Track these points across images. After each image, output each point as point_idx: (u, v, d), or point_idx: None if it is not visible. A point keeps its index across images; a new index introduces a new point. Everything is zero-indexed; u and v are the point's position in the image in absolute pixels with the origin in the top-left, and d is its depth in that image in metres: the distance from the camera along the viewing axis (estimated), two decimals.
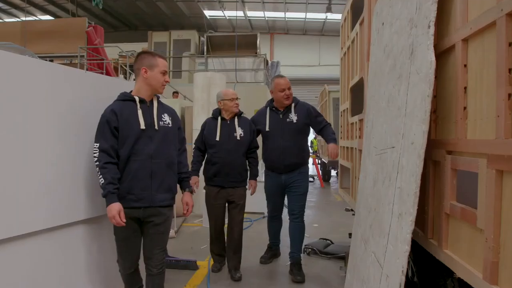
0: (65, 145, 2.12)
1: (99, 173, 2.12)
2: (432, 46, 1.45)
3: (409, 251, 1.44)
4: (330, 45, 18.15)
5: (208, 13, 16.75)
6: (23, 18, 13.31)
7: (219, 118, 3.40)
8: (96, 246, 2.40)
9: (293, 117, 3.41)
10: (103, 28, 10.88)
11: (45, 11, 16.00)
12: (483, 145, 1.22)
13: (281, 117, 3.46)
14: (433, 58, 1.42)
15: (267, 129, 3.48)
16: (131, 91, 2.32)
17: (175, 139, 2.39)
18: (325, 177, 11.72)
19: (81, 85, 2.27)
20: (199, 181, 3.48)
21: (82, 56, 9.69)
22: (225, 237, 3.54)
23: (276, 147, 3.43)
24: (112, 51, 10.97)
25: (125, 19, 17.86)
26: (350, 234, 4.03)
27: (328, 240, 4.46)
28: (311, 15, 16.75)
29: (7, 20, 16.34)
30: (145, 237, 2.33)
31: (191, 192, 2.48)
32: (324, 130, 3.52)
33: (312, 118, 3.48)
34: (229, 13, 16.43)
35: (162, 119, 2.31)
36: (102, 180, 2.10)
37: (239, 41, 11.65)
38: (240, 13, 15.64)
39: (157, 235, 2.31)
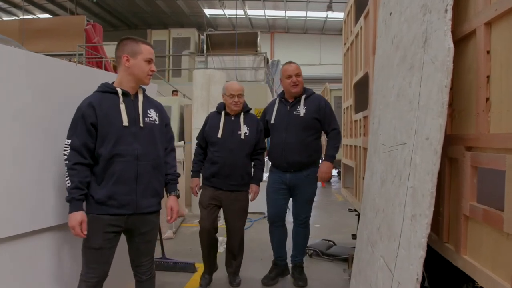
0: (32, 141, 1.92)
1: (66, 174, 1.90)
2: (449, 32, 1.32)
3: (424, 257, 1.31)
4: (330, 44, 18.06)
5: (208, 11, 16.64)
6: (22, 17, 13.20)
7: (223, 113, 3.09)
8: (69, 256, 2.16)
9: (301, 110, 3.12)
10: (102, 26, 10.78)
11: (44, 10, 15.89)
12: None
13: (288, 109, 3.18)
14: (451, 45, 1.29)
15: (272, 121, 3.23)
16: (113, 82, 2.07)
17: (162, 137, 2.15)
18: None
19: (57, 75, 2.06)
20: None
21: (80, 55, 9.60)
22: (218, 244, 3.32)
23: (279, 142, 3.16)
24: (112, 50, 10.82)
25: (124, 18, 17.74)
26: (352, 235, 3.92)
27: (330, 241, 4.34)
28: (311, 14, 16.64)
29: (6, 18, 16.22)
30: (130, 246, 2.13)
31: (177, 196, 2.23)
32: (328, 138, 3.23)
33: (321, 113, 3.15)
34: (229, 12, 16.33)
35: (148, 115, 2.08)
36: (68, 183, 1.89)
37: (239, 40, 11.51)
38: (240, 12, 15.53)
39: (144, 244, 2.11)
